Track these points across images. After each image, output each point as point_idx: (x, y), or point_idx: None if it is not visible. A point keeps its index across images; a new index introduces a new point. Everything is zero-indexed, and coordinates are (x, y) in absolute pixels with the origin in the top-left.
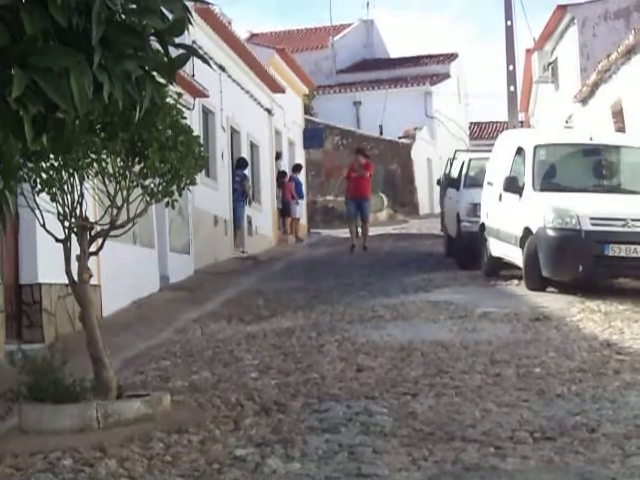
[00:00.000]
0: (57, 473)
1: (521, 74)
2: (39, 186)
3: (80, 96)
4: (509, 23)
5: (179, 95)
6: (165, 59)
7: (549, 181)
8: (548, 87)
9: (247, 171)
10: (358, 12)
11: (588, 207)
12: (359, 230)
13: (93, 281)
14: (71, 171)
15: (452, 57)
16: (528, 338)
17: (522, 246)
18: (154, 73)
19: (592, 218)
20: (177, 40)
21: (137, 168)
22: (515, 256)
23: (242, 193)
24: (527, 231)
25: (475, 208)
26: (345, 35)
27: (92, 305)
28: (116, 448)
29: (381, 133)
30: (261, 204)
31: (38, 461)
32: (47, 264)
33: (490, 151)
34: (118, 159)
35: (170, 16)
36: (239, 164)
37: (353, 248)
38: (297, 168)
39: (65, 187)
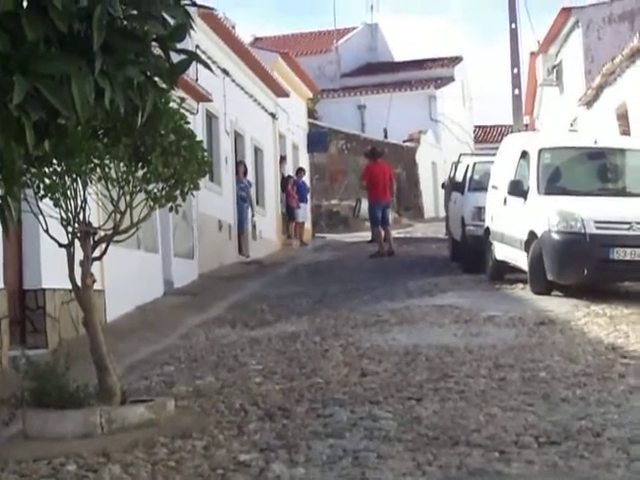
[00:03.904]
0: (61, 479)
1: (526, 77)
2: (42, 191)
3: (81, 102)
4: (513, 26)
5: (182, 100)
6: (167, 64)
7: (554, 184)
8: (553, 90)
9: (249, 177)
10: (362, 16)
11: (593, 210)
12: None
13: (97, 286)
14: (74, 176)
15: (456, 60)
16: (533, 342)
17: (527, 250)
18: (156, 79)
19: (597, 222)
20: (179, 45)
21: (140, 173)
22: (520, 260)
23: (241, 198)
24: (532, 235)
25: (480, 212)
26: (349, 39)
27: (96, 310)
28: (120, 454)
29: (386, 137)
30: (265, 208)
31: (42, 467)
32: (51, 269)
33: (495, 155)
34: (121, 164)
35: (172, 21)
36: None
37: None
38: (299, 171)
39: (68, 192)
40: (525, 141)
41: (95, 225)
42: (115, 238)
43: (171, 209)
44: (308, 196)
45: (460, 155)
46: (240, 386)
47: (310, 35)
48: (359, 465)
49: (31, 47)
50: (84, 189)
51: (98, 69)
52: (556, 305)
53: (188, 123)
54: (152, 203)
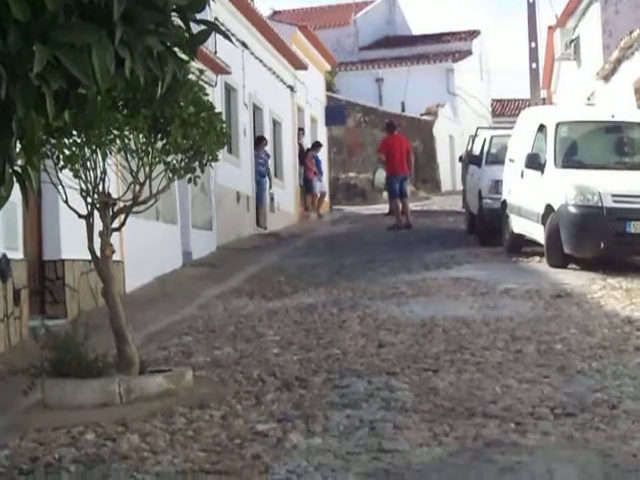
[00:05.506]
0: (80, 447)
1: (543, 51)
2: (62, 162)
3: (102, 72)
4: (531, 0)
5: (201, 72)
6: (186, 35)
7: (571, 158)
8: (570, 64)
9: (268, 149)
10: None
11: (610, 184)
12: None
13: (116, 257)
14: (94, 147)
15: (474, 34)
16: (549, 315)
17: (544, 223)
18: (176, 49)
19: (614, 195)
20: (198, 16)
21: (159, 144)
22: (537, 233)
23: (259, 173)
24: (549, 208)
25: (497, 185)
26: (367, 12)
27: (115, 281)
28: (138, 423)
29: (403, 110)
30: (283, 181)
31: (61, 435)
32: (70, 240)
33: (512, 128)
34: (140, 135)
35: None
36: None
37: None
38: (316, 145)
39: (88, 163)
40: (542, 115)
41: (114, 196)
42: (134, 209)
43: (190, 180)
44: (323, 169)
45: (477, 128)
46: (258, 357)
47: (328, 8)
48: (376, 435)
49: (51, 16)
50: (103, 160)
51: (118, 39)
52: (572, 278)
53: (207, 95)
54: (171, 174)
